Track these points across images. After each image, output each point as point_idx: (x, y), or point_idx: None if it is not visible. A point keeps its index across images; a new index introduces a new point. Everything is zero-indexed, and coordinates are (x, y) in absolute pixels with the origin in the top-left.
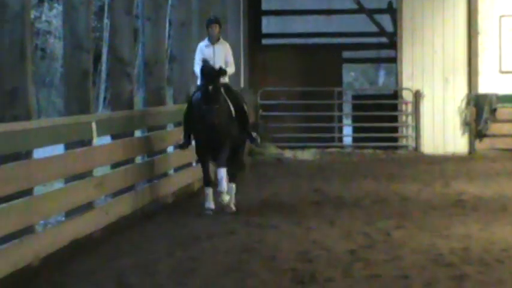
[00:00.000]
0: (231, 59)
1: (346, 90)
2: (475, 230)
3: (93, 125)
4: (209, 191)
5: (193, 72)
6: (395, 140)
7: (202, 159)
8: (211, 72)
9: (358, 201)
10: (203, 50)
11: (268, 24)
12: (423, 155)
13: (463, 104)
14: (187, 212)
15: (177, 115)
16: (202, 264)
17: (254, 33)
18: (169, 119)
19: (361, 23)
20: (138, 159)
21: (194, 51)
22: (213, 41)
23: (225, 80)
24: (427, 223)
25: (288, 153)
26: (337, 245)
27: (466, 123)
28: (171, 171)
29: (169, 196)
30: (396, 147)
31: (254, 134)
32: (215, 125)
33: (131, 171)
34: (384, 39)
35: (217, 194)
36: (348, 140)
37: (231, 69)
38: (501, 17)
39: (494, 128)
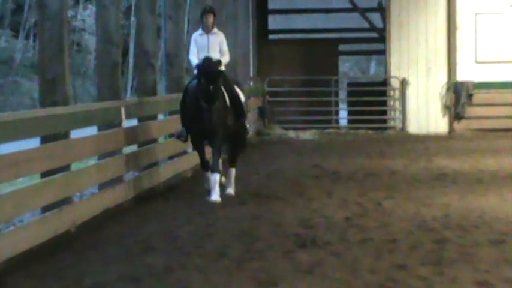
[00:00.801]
0: (225, 48)
1: (342, 78)
2: (454, 199)
3: (122, 110)
4: (208, 176)
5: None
6: (384, 121)
7: (197, 147)
8: (213, 73)
9: (352, 175)
10: (197, 39)
11: (274, 22)
12: (409, 134)
13: (444, 90)
14: (204, 185)
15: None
16: (217, 230)
17: (262, 30)
18: (151, 107)
19: (354, 20)
20: (161, 139)
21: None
22: (208, 30)
23: (221, 68)
24: (412, 194)
25: (291, 134)
26: (334, 213)
27: (446, 107)
28: (190, 150)
29: (188, 171)
30: (385, 128)
31: (247, 126)
32: (209, 122)
33: (155, 150)
34: (374, 34)
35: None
36: (343, 122)
37: (225, 59)
38: (476, 14)
39: (471, 111)
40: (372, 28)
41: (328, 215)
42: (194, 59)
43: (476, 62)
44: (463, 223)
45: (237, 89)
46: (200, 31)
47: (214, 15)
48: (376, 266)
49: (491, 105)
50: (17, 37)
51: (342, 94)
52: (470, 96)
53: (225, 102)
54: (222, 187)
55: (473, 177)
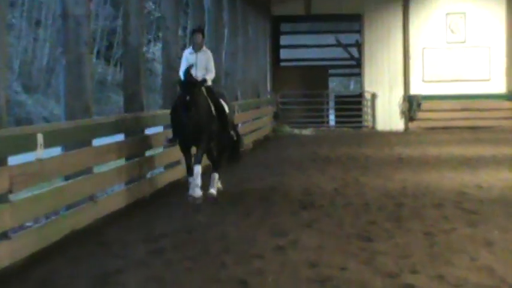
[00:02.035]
0: (211, 66)
1: (331, 93)
2: (408, 176)
3: None
4: (192, 180)
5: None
6: (360, 122)
7: (183, 153)
8: (188, 84)
9: (338, 158)
10: (187, 57)
11: (284, 53)
12: (377, 131)
13: (401, 101)
14: (236, 168)
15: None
16: (246, 196)
17: (275, 59)
18: None
19: (339, 52)
20: None
21: (240, 70)
22: (197, 48)
23: (207, 84)
24: (380, 172)
25: (296, 131)
26: (326, 185)
27: (402, 112)
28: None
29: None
30: (361, 127)
31: (232, 133)
32: (191, 128)
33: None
34: (353, 62)
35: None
36: (332, 122)
37: (210, 76)
38: (423, 48)
39: (420, 115)
40: (351, 58)
41: (322, 187)
42: (183, 75)
43: (423, 81)
44: (415, 192)
45: (222, 102)
46: (190, 50)
47: (203, 35)
48: (355, 222)
49: (433, 111)
50: (109, 64)
51: (331, 103)
52: (419, 105)
53: (210, 110)
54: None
55: (422, 160)
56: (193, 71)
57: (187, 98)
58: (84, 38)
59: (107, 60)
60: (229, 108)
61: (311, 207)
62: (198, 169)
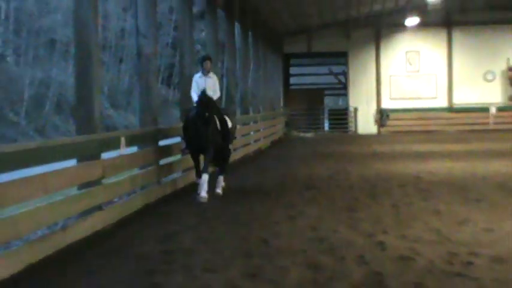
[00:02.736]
0: (217, 88)
1: (325, 107)
2: (380, 165)
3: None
4: (200, 182)
5: (201, 95)
6: (346, 128)
7: (193, 159)
8: (207, 103)
9: (331, 154)
10: (197, 80)
11: (292, 80)
12: (358, 134)
13: (375, 113)
14: (259, 160)
15: (253, 117)
16: (264, 182)
17: (287, 84)
18: (250, 119)
19: (331, 79)
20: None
21: (261, 91)
22: (206, 73)
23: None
24: (361, 163)
25: (301, 134)
26: (323, 172)
27: (376, 121)
28: (252, 141)
29: (251, 152)
30: (347, 131)
31: (231, 147)
32: (207, 139)
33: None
34: (341, 86)
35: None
36: (326, 128)
37: (217, 95)
38: (390, 76)
39: (388, 123)
40: (340, 83)
41: (320, 174)
42: (195, 95)
43: (390, 98)
44: (385, 176)
45: (226, 118)
46: (200, 74)
47: (211, 61)
48: (343, 198)
49: (398, 120)
50: (169, 88)
51: (325, 115)
52: (387, 115)
53: (216, 126)
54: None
55: (390, 154)
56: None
57: (207, 114)
58: (153, 70)
59: (168, 85)
60: (232, 124)
61: (312, 188)
62: (205, 177)
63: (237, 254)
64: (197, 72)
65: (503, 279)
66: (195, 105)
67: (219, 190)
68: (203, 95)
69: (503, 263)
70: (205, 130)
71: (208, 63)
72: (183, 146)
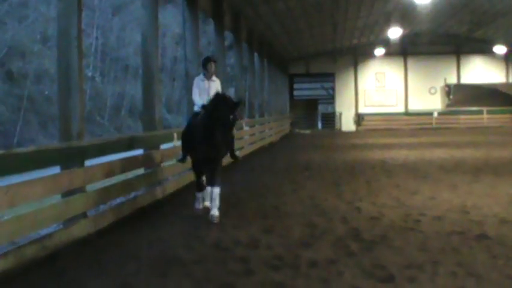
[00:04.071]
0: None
1: (319, 112)
2: (357, 153)
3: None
4: (200, 195)
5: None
6: (334, 126)
7: (198, 174)
8: (232, 104)
9: (323, 146)
10: (199, 84)
11: (295, 93)
12: (342, 131)
13: (354, 116)
14: (271, 150)
15: (268, 119)
16: (274, 166)
17: (291, 95)
18: (266, 120)
19: (323, 91)
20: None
21: (273, 101)
22: (208, 76)
23: None
24: (344, 151)
25: (302, 131)
26: (317, 158)
27: (355, 122)
28: (267, 136)
29: (266, 144)
30: (334, 129)
31: (237, 154)
32: (219, 149)
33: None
34: (330, 97)
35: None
36: (320, 127)
37: None
38: (364, 90)
39: (363, 123)
40: (329, 95)
41: (315, 159)
42: (198, 99)
43: (365, 106)
44: (360, 161)
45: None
46: (202, 77)
47: (216, 63)
48: (331, 176)
49: (370, 121)
50: None
51: (319, 117)
52: (363, 118)
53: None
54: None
55: (364, 145)
56: (204, 97)
57: (232, 117)
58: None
59: None
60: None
61: (309, 169)
62: (217, 191)
63: (256, 216)
64: (198, 74)
65: (441, 231)
66: (198, 109)
67: (215, 212)
68: (220, 94)
69: (441, 220)
70: (223, 137)
71: (212, 66)
72: (180, 156)
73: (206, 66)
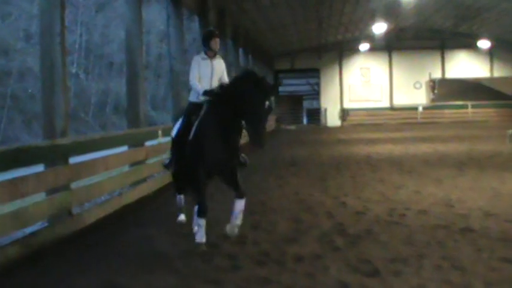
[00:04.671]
0: (226, 77)
1: (304, 107)
2: (342, 148)
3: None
4: (203, 223)
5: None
6: (319, 121)
7: (203, 186)
8: (268, 86)
9: (308, 140)
10: (200, 64)
11: (280, 88)
12: (327, 126)
13: (339, 111)
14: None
15: None
16: (261, 161)
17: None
18: None
19: (308, 87)
20: None
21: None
22: (212, 55)
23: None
24: (329, 146)
25: (288, 127)
26: (302, 153)
27: (340, 117)
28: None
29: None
30: (319, 124)
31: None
32: (232, 147)
33: None
34: (315, 93)
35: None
36: (305, 122)
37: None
38: (349, 84)
39: (348, 118)
40: (314, 90)
41: (300, 154)
42: (198, 84)
43: (350, 101)
44: (345, 156)
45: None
46: (203, 55)
47: (220, 40)
48: (316, 171)
49: (355, 116)
50: None
51: (304, 113)
52: (348, 113)
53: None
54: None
55: (349, 140)
56: (206, 83)
57: (267, 104)
58: (181, 82)
59: None
60: None
61: (295, 165)
62: (243, 204)
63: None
64: (198, 53)
65: (426, 224)
66: (197, 98)
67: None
68: (250, 72)
69: (426, 214)
70: (263, 127)
71: (217, 42)
72: (166, 161)
73: (209, 42)
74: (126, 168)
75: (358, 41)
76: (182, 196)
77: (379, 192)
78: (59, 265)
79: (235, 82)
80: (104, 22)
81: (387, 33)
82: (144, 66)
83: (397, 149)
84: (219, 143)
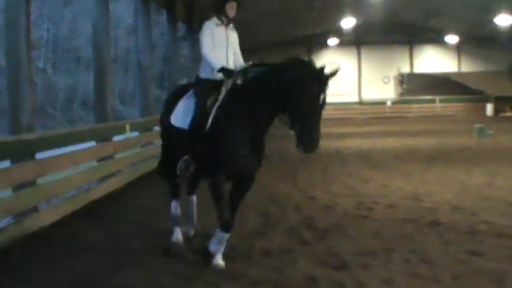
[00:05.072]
0: (239, 51)
1: None
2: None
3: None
4: (226, 239)
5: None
6: None
7: (225, 191)
8: (325, 77)
9: (277, 136)
10: (213, 31)
11: None
12: None
13: None
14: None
15: None
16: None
17: None
18: None
19: None
20: None
21: None
22: (227, 22)
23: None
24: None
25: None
26: (274, 147)
27: None
28: None
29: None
30: None
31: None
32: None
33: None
34: None
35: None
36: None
37: (239, 64)
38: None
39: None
40: None
41: (269, 149)
42: (215, 59)
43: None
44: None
45: None
46: (217, 21)
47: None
48: (287, 166)
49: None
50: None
51: None
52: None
53: None
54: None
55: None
56: (221, 55)
57: (322, 98)
58: (149, 77)
59: (160, 88)
60: None
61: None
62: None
63: (211, 207)
64: (209, 19)
65: (394, 218)
66: (209, 73)
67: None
68: (298, 58)
69: (394, 208)
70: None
71: (233, 6)
72: (182, 166)
73: (224, 6)
74: (93, 163)
75: (327, 35)
76: (178, 203)
77: (347, 186)
78: (26, 262)
79: (280, 67)
80: (71, 16)
81: (356, 28)
82: (113, 61)
83: (365, 143)
84: (247, 142)
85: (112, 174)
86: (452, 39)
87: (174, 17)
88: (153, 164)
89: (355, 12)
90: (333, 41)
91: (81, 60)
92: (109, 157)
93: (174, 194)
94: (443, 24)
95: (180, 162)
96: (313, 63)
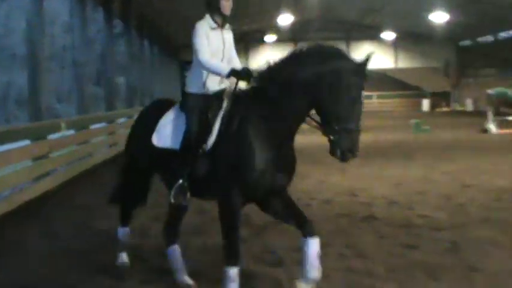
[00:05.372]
0: (235, 53)
1: None
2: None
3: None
4: (235, 275)
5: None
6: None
7: (240, 216)
8: (362, 72)
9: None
10: (209, 34)
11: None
12: None
13: None
14: None
15: None
16: None
17: (183, 83)
18: None
19: None
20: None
21: (159, 89)
22: (222, 23)
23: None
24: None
25: None
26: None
27: None
28: None
29: None
30: None
31: None
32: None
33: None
34: None
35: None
36: None
37: (235, 65)
38: None
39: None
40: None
41: None
42: (218, 64)
43: None
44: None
45: None
46: (212, 23)
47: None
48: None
49: None
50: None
51: None
52: None
53: None
54: None
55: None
56: (218, 60)
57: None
58: (85, 74)
59: (97, 85)
60: None
61: None
62: (317, 244)
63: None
64: (202, 19)
65: (329, 214)
66: (225, 82)
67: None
68: (325, 46)
69: (330, 204)
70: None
71: (229, 4)
72: (178, 193)
73: (218, 2)
74: (28, 162)
75: (264, 32)
76: (128, 229)
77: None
78: None
79: (307, 60)
80: (4, 12)
81: (293, 25)
82: (48, 58)
83: (301, 140)
84: (272, 152)
85: (47, 174)
86: (389, 35)
87: (111, 14)
88: (90, 162)
89: (292, 8)
90: (270, 38)
91: (16, 58)
92: (44, 156)
93: (124, 222)
94: (380, 21)
95: (173, 190)
96: (347, 54)
